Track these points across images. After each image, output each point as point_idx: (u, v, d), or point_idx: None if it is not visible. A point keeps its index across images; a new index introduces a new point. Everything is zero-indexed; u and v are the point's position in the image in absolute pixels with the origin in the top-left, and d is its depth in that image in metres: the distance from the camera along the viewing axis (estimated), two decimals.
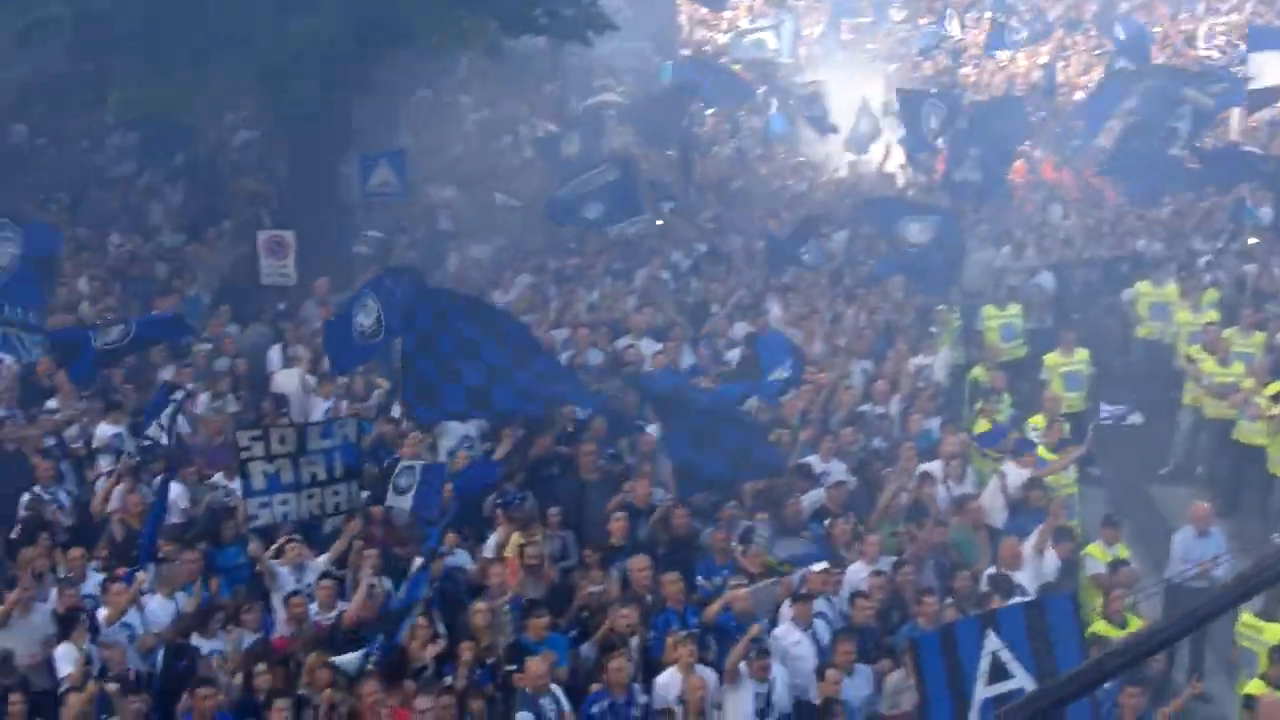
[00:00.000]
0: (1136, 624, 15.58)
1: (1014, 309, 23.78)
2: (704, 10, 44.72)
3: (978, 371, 21.84)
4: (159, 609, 15.70)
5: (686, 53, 41.75)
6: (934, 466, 18.80)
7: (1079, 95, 35.76)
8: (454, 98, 35.05)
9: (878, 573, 16.50)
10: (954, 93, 33.72)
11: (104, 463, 18.55)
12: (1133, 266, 25.16)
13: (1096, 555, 17.28)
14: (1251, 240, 26.10)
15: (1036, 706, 6.36)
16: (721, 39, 43.55)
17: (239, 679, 14.57)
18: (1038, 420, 20.12)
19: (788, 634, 15.68)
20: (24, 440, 18.53)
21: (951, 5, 43.63)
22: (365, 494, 17.42)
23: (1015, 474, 18.50)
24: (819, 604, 15.96)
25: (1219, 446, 21.49)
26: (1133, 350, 24.10)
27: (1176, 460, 22.26)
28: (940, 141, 30.00)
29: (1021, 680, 11.63)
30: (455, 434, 19.25)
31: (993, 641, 11.88)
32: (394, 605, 15.37)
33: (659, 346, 22.02)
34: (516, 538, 16.83)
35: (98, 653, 14.69)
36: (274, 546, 16.34)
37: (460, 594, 16.25)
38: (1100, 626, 15.75)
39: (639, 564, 16.36)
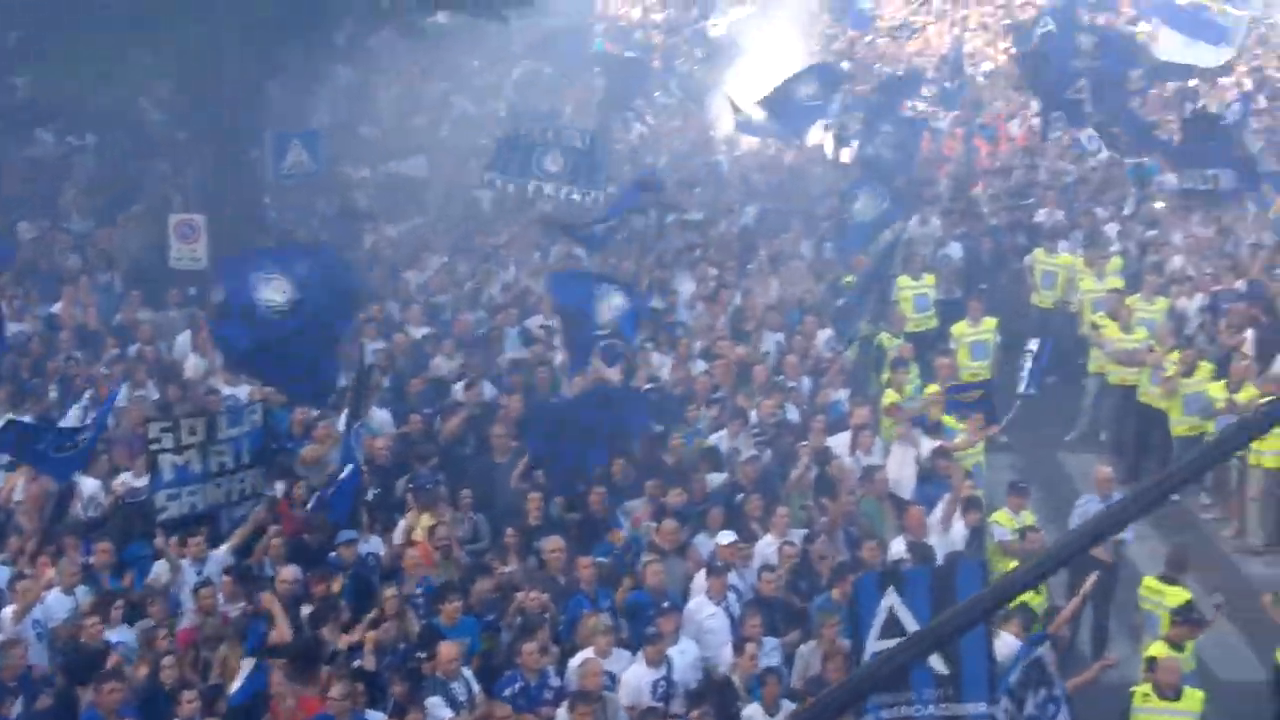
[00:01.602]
0: (1045, 590, 15.78)
1: (928, 280, 23.91)
2: None
3: (883, 339, 21.95)
4: (56, 604, 15.56)
5: (602, 27, 41.74)
6: (843, 438, 18.97)
7: (987, 66, 35.94)
8: (370, 76, 34.88)
9: (788, 544, 16.67)
10: (831, 65, 33.66)
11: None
12: (1029, 236, 25.37)
13: (1003, 522, 17.39)
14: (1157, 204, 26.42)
15: (915, 651, 6.47)
16: (635, 13, 43.56)
17: (144, 671, 14.45)
18: (933, 389, 20.04)
19: (701, 608, 15.77)
20: None
21: None
22: (277, 483, 17.44)
23: (924, 444, 18.67)
24: (730, 577, 16.10)
25: (1122, 412, 21.76)
26: (1030, 318, 24.10)
27: (1082, 427, 22.55)
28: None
29: None
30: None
31: (891, 598, 12.10)
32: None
33: None
34: (425, 519, 16.87)
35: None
36: (176, 539, 16.22)
37: (372, 580, 16.28)
38: None
39: (552, 545, 16.41)
